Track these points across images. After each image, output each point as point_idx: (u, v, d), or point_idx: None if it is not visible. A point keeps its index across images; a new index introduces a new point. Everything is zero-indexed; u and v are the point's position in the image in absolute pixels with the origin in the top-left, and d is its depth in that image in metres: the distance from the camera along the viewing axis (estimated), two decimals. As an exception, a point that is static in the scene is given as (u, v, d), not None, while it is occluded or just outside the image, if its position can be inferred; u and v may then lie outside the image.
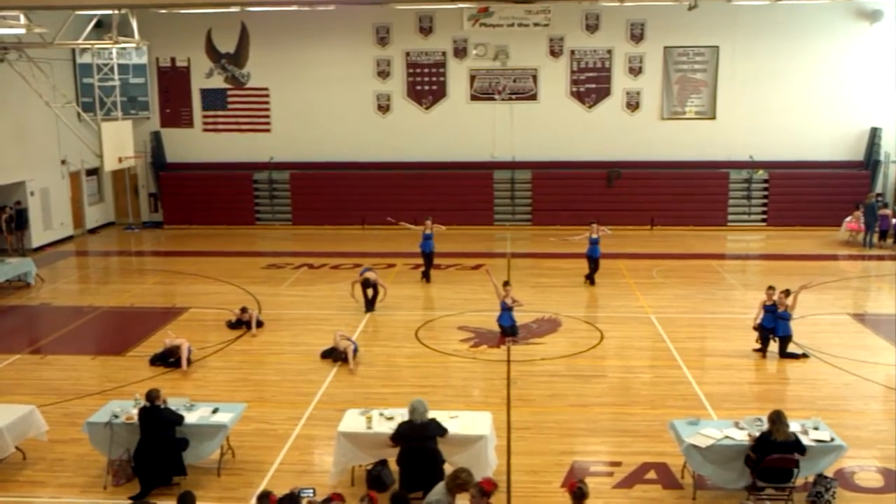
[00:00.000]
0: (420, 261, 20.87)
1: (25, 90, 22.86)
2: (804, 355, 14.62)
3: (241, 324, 16.64)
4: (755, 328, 14.91)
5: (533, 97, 28.06)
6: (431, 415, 9.95)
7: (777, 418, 9.37)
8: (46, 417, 11.34)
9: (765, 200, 27.79)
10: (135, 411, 10.37)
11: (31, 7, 18.96)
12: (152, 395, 10.09)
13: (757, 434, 9.56)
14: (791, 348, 14.67)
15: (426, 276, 20.53)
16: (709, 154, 27.65)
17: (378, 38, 28.09)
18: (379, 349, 15.50)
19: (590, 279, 20.00)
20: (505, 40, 27.67)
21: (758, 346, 14.86)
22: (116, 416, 10.41)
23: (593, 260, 19.92)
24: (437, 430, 9.62)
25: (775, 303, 14.62)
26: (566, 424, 11.99)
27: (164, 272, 22.52)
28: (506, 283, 16.30)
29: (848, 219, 25.27)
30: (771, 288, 14.95)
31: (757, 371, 14.30)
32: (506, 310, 15.94)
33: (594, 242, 19.76)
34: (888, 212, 24.91)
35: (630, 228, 26.84)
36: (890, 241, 24.53)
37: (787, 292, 14.64)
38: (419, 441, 9.45)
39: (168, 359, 14.54)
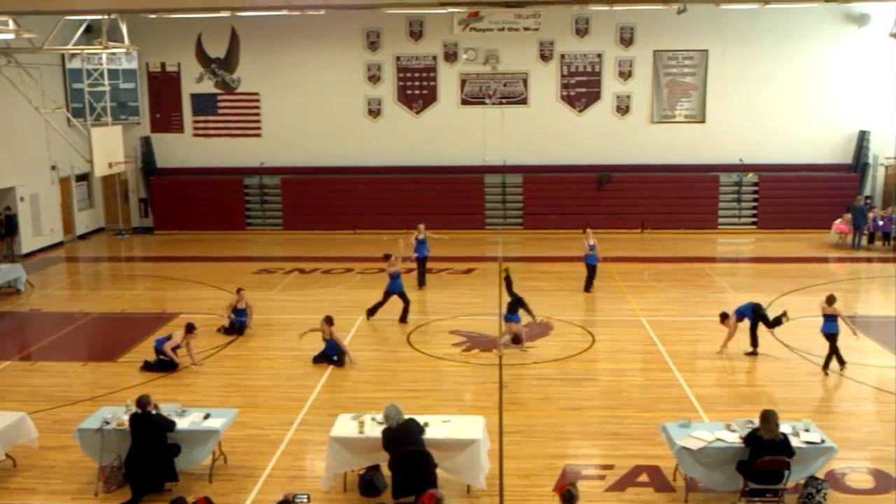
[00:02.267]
0: (411, 265, 20.84)
1: (15, 96, 22.79)
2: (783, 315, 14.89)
3: (233, 329, 16.59)
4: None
5: (523, 101, 28.13)
6: (422, 418, 9.98)
7: (766, 417, 9.43)
8: (37, 424, 11.29)
9: (755, 203, 27.92)
10: (126, 417, 10.33)
11: (20, 12, 18.91)
12: (143, 402, 10.05)
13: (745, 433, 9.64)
14: (780, 351, 14.74)
15: (421, 282, 20.37)
16: (699, 157, 27.77)
17: (368, 43, 28.11)
18: (371, 353, 15.50)
19: (587, 286, 19.80)
20: (495, 44, 27.73)
21: (750, 349, 14.90)
22: (107, 423, 10.36)
23: (591, 266, 19.77)
24: (417, 426, 9.67)
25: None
26: (558, 428, 12.00)
27: (154, 278, 22.46)
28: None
29: (837, 221, 25.39)
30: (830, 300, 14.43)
31: (748, 373, 14.35)
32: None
33: (592, 248, 19.71)
34: (871, 215, 25.03)
35: (621, 232, 26.90)
36: (879, 243, 24.65)
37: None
38: (406, 444, 9.46)
39: (159, 365, 14.52)
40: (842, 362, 14.11)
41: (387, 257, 17.86)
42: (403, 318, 17.32)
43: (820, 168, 27.73)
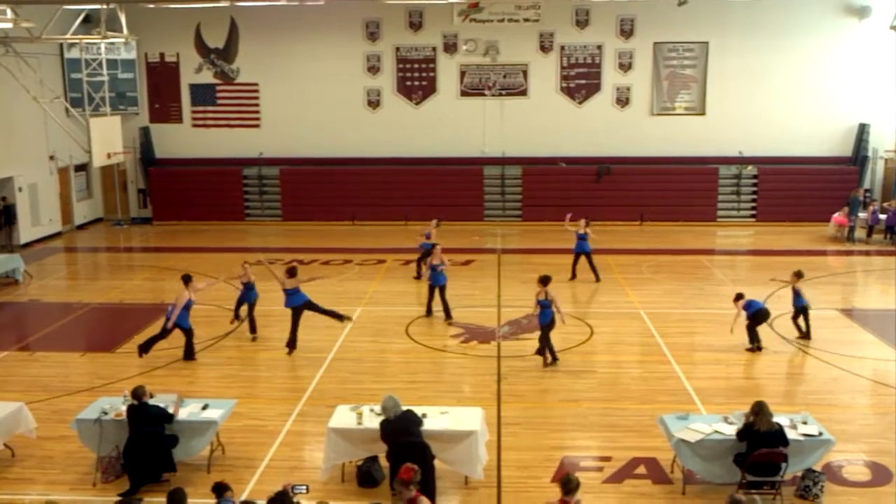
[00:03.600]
0: (409, 256, 20.75)
1: (13, 85, 22.72)
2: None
3: (243, 305, 16.35)
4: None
5: (523, 93, 28.07)
6: (420, 410, 9.98)
7: (760, 409, 9.44)
8: (35, 414, 11.31)
9: (754, 196, 27.90)
10: (124, 408, 10.34)
11: (19, 1, 18.86)
12: (138, 393, 10.05)
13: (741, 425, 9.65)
14: (777, 344, 14.90)
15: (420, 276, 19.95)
16: (698, 150, 27.73)
17: (368, 34, 28.03)
18: (369, 345, 15.51)
19: (594, 275, 19.90)
20: (495, 36, 27.66)
21: (750, 345, 14.88)
22: (106, 413, 10.38)
23: (586, 255, 19.85)
24: (415, 418, 9.67)
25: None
26: (556, 420, 12.03)
27: (153, 268, 22.44)
28: (543, 280, 14.21)
29: (836, 214, 25.37)
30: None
31: (746, 366, 14.36)
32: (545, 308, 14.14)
33: (582, 238, 19.74)
34: (872, 207, 25.01)
35: (620, 224, 26.92)
36: (878, 236, 24.61)
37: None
38: (404, 436, 9.46)
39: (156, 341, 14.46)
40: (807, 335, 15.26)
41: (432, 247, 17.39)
42: (429, 311, 17.12)
43: (819, 161, 27.70)
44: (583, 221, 19.90)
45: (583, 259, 19.91)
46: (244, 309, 16.51)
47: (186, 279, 14.63)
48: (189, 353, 14.62)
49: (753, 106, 27.44)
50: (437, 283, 16.84)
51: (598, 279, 19.80)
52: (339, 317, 15.10)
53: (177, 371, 14.18)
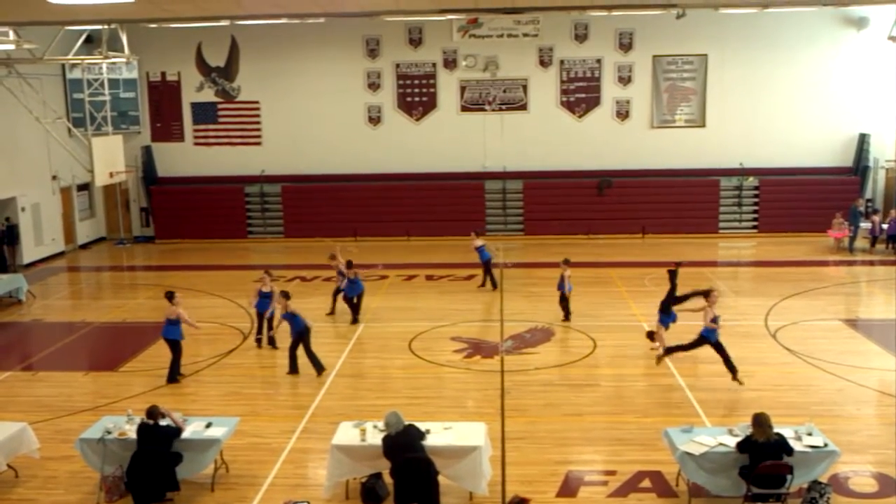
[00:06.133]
0: (411, 272, 20.83)
1: (15, 106, 22.83)
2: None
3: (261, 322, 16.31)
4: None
5: (523, 107, 28.14)
6: (424, 425, 9.95)
7: (758, 421, 9.42)
8: (38, 434, 11.28)
9: (755, 207, 27.89)
10: (128, 427, 10.35)
11: (21, 22, 18.95)
12: (153, 412, 10.02)
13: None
14: (782, 355, 14.69)
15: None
16: (699, 162, 27.75)
17: (368, 51, 28.16)
18: (372, 361, 15.49)
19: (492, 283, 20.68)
20: (494, 51, 27.77)
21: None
22: (109, 433, 10.36)
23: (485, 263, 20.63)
24: (417, 433, 9.65)
25: None
26: (560, 434, 11.99)
27: (155, 287, 22.43)
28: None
29: (831, 230, 25.28)
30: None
31: (750, 378, 14.28)
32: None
33: (480, 249, 20.53)
34: (876, 218, 24.99)
35: (621, 237, 26.93)
36: (882, 246, 24.56)
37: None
38: (407, 451, 9.44)
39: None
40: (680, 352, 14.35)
41: (332, 257, 17.78)
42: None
43: (820, 171, 27.71)
44: (473, 234, 20.80)
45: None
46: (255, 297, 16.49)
47: (170, 296, 14.56)
48: (174, 374, 14.47)
49: (754, 117, 27.49)
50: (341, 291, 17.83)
51: (494, 287, 20.55)
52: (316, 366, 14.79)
53: (180, 389, 14.17)
